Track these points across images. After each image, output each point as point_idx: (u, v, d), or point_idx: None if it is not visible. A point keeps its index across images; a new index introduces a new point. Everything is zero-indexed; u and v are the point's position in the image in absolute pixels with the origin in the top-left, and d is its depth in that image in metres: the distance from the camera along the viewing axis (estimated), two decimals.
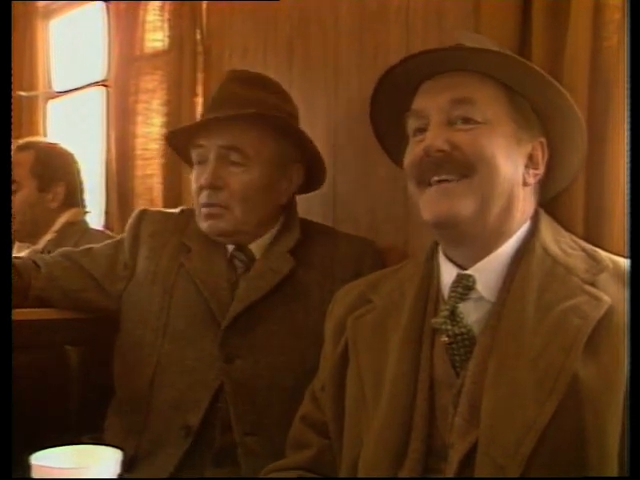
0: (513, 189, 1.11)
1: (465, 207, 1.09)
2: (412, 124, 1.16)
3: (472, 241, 1.12)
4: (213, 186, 1.51)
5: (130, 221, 1.68)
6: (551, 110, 1.14)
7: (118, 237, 1.72)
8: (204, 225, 1.55)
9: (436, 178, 1.10)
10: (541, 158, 1.15)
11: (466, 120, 1.10)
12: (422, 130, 1.14)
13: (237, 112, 1.51)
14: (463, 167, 1.09)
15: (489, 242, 1.12)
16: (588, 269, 1.08)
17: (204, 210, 1.54)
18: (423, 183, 1.13)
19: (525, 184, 1.13)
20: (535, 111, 1.14)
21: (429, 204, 1.11)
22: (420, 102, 1.15)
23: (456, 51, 1.14)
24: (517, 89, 1.12)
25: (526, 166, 1.13)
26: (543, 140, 1.15)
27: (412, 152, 1.14)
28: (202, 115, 1.60)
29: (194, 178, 1.56)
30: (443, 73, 1.13)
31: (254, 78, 1.63)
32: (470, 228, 1.10)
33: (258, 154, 1.53)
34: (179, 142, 1.62)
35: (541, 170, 1.16)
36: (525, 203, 1.14)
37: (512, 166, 1.11)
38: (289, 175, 1.58)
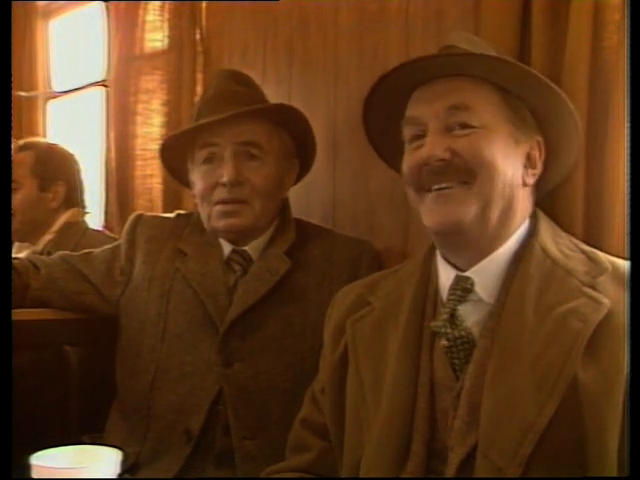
0: (513, 190, 1.11)
1: (467, 212, 1.09)
2: (408, 131, 1.16)
3: (473, 244, 1.12)
4: (236, 182, 1.51)
5: (126, 226, 1.68)
6: (547, 109, 1.14)
7: (116, 242, 1.72)
8: (220, 223, 1.54)
9: (436, 186, 1.11)
10: (538, 157, 1.15)
11: (463, 126, 1.10)
12: (419, 137, 1.14)
13: (258, 107, 1.54)
14: (463, 174, 1.09)
15: (489, 244, 1.12)
16: (588, 271, 1.08)
17: (220, 208, 1.53)
18: (422, 190, 1.13)
19: (525, 184, 1.13)
20: (530, 111, 1.14)
21: (431, 211, 1.11)
22: (416, 109, 1.15)
23: (451, 57, 1.14)
24: (512, 91, 1.12)
25: (524, 166, 1.13)
26: (540, 139, 1.15)
27: (410, 159, 1.14)
28: (199, 115, 1.59)
29: (201, 177, 1.56)
30: (437, 78, 1.13)
31: (244, 76, 1.65)
32: (472, 233, 1.10)
33: (272, 148, 1.55)
34: (181, 144, 1.60)
35: (539, 169, 1.16)
36: (524, 203, 1.14)
37: (511, 168, 1.11)
38: (289, 169, 1.60)
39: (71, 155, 2.46)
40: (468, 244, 1.12)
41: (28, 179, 2.33)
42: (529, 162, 1.14)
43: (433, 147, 1.10)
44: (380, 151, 1.30)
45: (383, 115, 1.21)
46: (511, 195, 1.11)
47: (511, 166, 1.11)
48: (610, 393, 0.97)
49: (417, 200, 1.14)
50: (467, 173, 1.09)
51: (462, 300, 1.11)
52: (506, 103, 1.12)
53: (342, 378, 1.20)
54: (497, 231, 1.11)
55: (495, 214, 1.10)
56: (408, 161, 1.15)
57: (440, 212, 1.10)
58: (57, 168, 2.38)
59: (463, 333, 1.09)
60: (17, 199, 2.29)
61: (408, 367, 1.12)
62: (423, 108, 1.14)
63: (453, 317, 1.10)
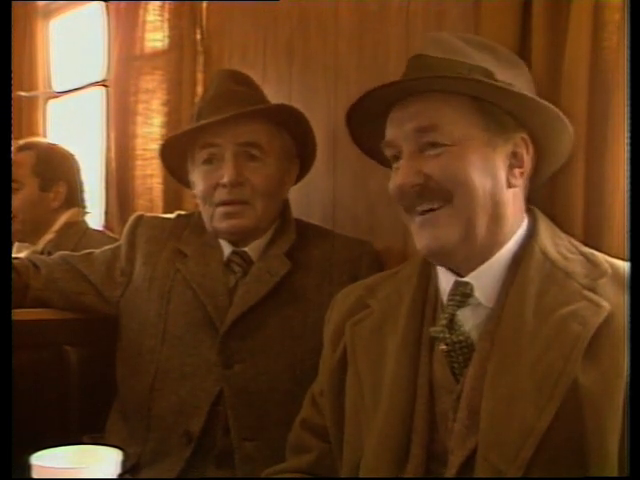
0: (497, 199, 1.10)
1: (451, 235, 1.09)
2: (388, 153, 1.16)
3: (464, 259, 1.12)
4: (236, 183, 1.50)
5: (126, 227, 1.68)
6: (522, 110, 1.12)
7: (116, 243, 1.72)
8: (222, 225, 1.54)
9: (419, 208, 1.11)
10: (525, 154, 1.13)
11: (434, 145, 1.09)
12: (398, 158, 1.13)
13: (258, 107, 1.54)
14: (440, 195, 1.09)
15: (482, 252, 1.12)
16: (587, 274, 1.07)
17: (222, 209, 1.53)
18: (410, 210, 1.13)
19: (510, 186, 1.11)
20: (509, 113, 1.12)
21: (418, 236, 1.12)
22: (390, 132, 1.15)
23: (411, 82, 1.12)
24: (484, 98, 1.10)
25: (510, 166, 1.12)
26: (524, 135, 1.13)
27: (391, 183, 1.14)
28: (199, 115, 1.59)
29: (202, 178, 1.55)
30: (408, 97, 1.11)
31: (244, 76, 1.65)
32: (460, 251, 1.10)
33: (272, 148, 1.55)
34: (181, 144, 1.60)
35: (527, 166, 1.14)
36: (515, 204, 1.13)
37: (491, 178, 1.09)
38: (290, 169, 1.60)
39: (71, 155, 2.46)
40: (459, 260, 1.12)
41: (29, 179, 2.34)
42: (515, 161, 1.12)
43: (406, 173, 1.10)
44: (377, 159, 1.29)
45: (369, 135, 1.21)
46: (495, 203, 1.10)
47: (490, 176, 1.09)
48: (610, 396, 0.97)
49: (407, 220, 1.15)
50: (444, 194, 1.08)
51: (461, 305, 1.11)
52: (479, 111, 1.10)
53: (341, 380, 1.20)
54: (488, 240, 1.11)
55: (481, 228, 1.09)
56: (390, 184, 1.14)
57: (426, 237, 1.10)
58: (58, 168, 2.39)
59: (462, 337, 1.09)
60: (18, 199, 2.29)
61: (407, 369, 1.12)
62: (395, 131, 1.13)
63: (452, 322, 1.10)
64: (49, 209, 2.35)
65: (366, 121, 1.19)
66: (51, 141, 2.63)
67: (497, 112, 1.10)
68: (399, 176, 1.11)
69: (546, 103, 1.12)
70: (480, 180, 1.08)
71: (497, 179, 1.10)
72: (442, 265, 1.15)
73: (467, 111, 1.10)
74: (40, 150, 2.39)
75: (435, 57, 1.12)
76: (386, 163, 1.27)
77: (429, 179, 1.09)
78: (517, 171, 1.12)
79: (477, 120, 1.10)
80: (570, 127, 1.16)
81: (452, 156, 1.08)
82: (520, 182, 1.13)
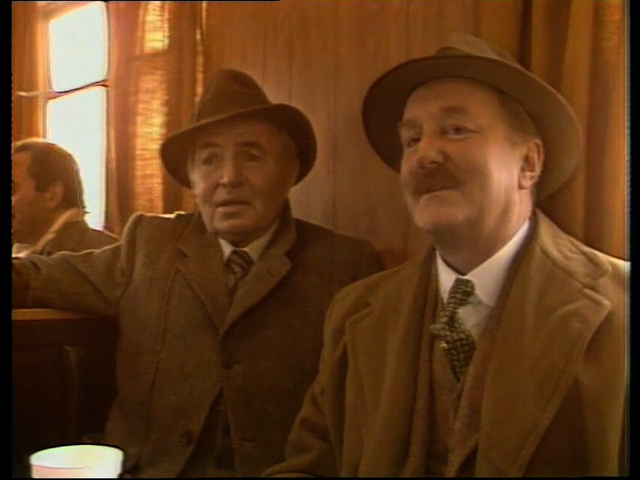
0: (509, 194, 1.10)
1: (457, 214, 1.08)
2: (405, 134, 1.16)
3: (469, 246, 1.12)
4: (236, 183, 1.50)
5: (126, 227, 1.68)
6: (545, 112, 1.14)
7: (116, 243, 1.71)
8: (223, 225, 1.54)
9: (431, 191, 1.10)
10: (537, 159, 1.15)
11: (458, 129, 1.09)
12: (415, 140, 1.13)
13: (259, 107, 1.54)
14: (455, 178, 1.08)
15: (487, 247, 1.12)
16: (588, 273, 1.08)
17: (222, 209, 1.53)
18: (418, 193, 1.12)
19: (521, 187, 1.13)
20: (528, 113, 1.14)
21: (423, 212, 1.11)
22: (412, 111, 1.15)
23: (447, 59, 1.13)
24: (510, 93, 1.12)
25: (522, 169, 1.13)
26: (538, 141, 1.15)
27: (407, 163, 1.14)
28: (199, 115, 1.59)
29: (202, 178, 1.55)
30: (434, 80, 1.12)
31: (244, 76, 1.65)
32: (465, 234, 1.10)
33: (272, 148, 1.55)
34: (181, 144, 1.60)
35: (537, 172, 1.15)
36: (522, 206, 1.14)
37: (506, 172, 1.10)
38: (290, 170, 1.60)
39: (69, 155, 2.46)
40: (462, 245, 1.12)
41: (25, 180, 2.34)
42: (527, 164, 1.14)
43: (426, 149, 1.09)
44: (381, 152, 1.30)
45: (383, 117, 1.21)
46: (507, 199, 1.10)
47: (506, 170, 1.10)
48: (611, 395, 0.97)
49: (413, 203, 1.14)
50: (459, 178, 1.08)
51: (462, 303, 1.11)
52: (503, 105, 1.11)
53: (341, 379, 1.20)
54: (494, 234, 1.11)
55: (490, 219, 1.09)
56: (405, 165, 1.14)
57: (431, 213, 1.10)
58: (54, 168, 2.38)
59: (462, 335, 1.09)
60: (15, 200, 2.28)
61: (407, 368, 1.12)
62: (418, 110, 1.13)
63: (452, 320, 1.10)
64: (46, 209, 2.35)
65: (383, 102, 1.19)
66: (50, 141, 2.63)
67: (519, 111, 1.12)
68: (419, 151, 1.10)
69: (565, 102, 1.13)
70: (497, 172, 1.09)
71: (511, 176, 1.11)
72: (443, 244, 1.15)
73: (493, 102, 1.11)
74: (36, 151, 2.39)
75: (463, 50, 1.14)
76: (389, 158, 1.27)
77: (448, 160, 1.08)
78: (528, 174, 1.14)
79: (501, 113, 1.11)
80: (581, 143, 1.17)
81: (475, 142, 1.09)
82: (529, 185, 1.14)
